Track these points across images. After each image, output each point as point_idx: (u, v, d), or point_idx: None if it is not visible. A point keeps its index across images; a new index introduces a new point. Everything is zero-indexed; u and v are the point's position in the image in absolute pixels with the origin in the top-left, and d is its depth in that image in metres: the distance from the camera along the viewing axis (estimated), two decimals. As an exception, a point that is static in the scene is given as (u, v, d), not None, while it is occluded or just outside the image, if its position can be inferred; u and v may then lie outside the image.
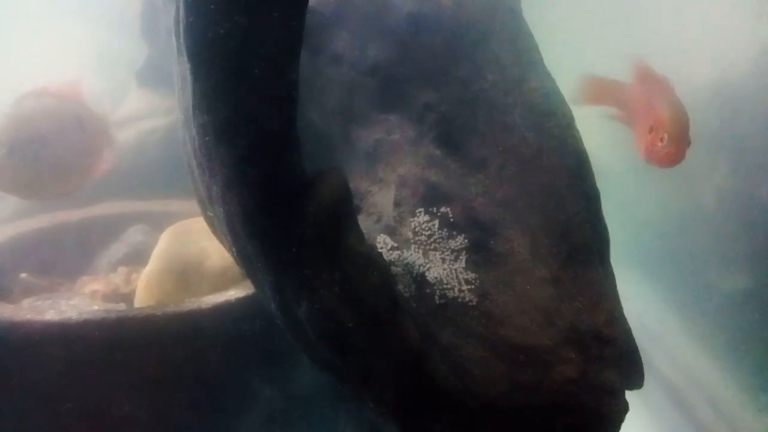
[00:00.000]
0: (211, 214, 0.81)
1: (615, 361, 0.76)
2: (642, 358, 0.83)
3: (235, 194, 0.66)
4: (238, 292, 0.93)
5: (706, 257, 1.36)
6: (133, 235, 1.29)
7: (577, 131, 0.87)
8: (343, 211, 0.70)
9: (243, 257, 0.76)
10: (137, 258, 1.23)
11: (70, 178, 1.13)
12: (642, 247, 1.62)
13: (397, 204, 0.90)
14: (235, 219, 0.70)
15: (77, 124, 1.12)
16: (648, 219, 1.60)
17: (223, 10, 0.53)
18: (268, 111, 0.58)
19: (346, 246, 0.70)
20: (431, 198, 0.89)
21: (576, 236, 0.81)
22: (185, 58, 0.61)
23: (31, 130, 1.07)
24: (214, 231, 0.88)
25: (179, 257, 1.07)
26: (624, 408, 0.75)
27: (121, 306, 1.08)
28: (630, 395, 0.82)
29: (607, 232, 0.85)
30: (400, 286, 0.81)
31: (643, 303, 1.53)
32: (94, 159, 1.15)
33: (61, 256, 1.26)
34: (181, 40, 0.61)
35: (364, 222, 0.89)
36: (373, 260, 0.73)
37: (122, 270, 1.20)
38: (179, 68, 0.72)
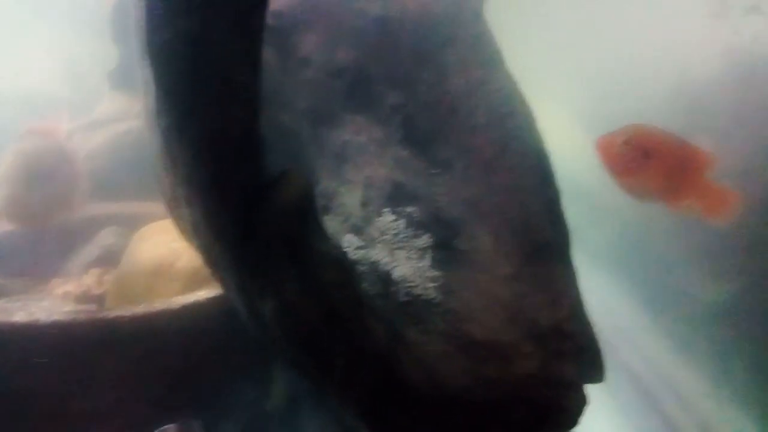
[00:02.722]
0: (177, 216, 0.81)
1: (574, 355, 0.78)
2: (605, 353, 0.85)
3: (197, 195, 0.67)
4: (208, 292, 0.94)
5: (681, 262, 1.38)
6: (106, 236, 1.29)
7: (539, 131, 0.89)
8: (305, 210, 0.71)
9: (208, 258, 0.77)
10: (110, 260, 1.23)
11: (63, 208, 1.28)
12: (618, 249, 1.64)
13: (364, 204, 0.91)
14: (199, 220, 0.71)
15: (65, 159, 1.29)
16: (626, 222, 1.62)
17: (168, 15, 0.54)
18: (222, 114, 0.59)
19: (309, 245, 0.71)
20: (397, 198, 0.90)
21: (538, 234, 0.83)
22: (146, 61, 0.62)
23: (40, 165, 1.23)
24: (183, 234, 0.89)
25: (150, 259, 1.07)
26: (583, 401, 0.77)
27: (92, 308, 1.08)
28: (599, 389, 0.84)
29: (569, 230, 0.87)
30: (366, 285, 0.82)
31: (615, 303, 1.56)
32: (77, 189, 1.32)
33: (34, 258, 1.26)
34: (141, 43, 0.62)
35: (332, 222, 0.91)
36: (336, 259, 0.74)
37: (94, 272, 1.20)
38: (143, 71, 0.72)
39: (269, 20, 1.02)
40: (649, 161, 0.80)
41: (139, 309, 0.89)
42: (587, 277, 0.95)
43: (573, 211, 0.91)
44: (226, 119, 0.61)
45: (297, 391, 1.03)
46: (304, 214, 0.72)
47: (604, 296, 1.56)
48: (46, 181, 1.22)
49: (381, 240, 0.87)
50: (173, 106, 0.60)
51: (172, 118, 0.62)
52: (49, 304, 1.09)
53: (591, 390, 0.83)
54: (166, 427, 0.87)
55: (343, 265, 0.75)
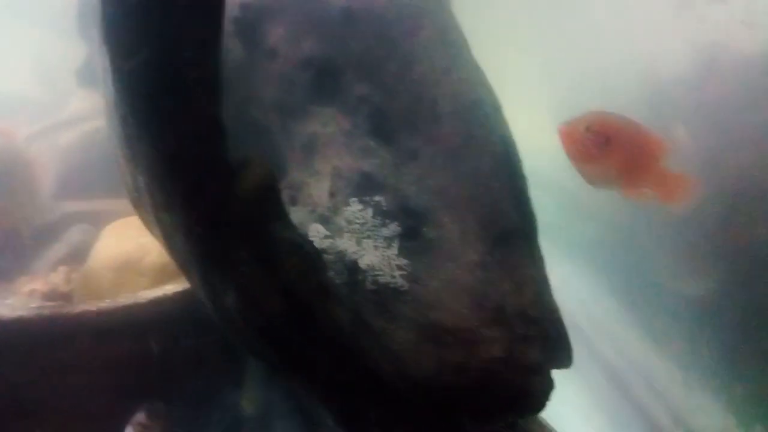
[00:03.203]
0: (140, 207, 0.81)
1: (540, 340, 0.78)
2: (571, 339, 0.85)
3: (158, 186, 0.67)
4: (176, 287, 0.93)
5: (654, 253, 1.39)
6: (74, 234, 1.27)
7: (504, 120, 0.90)
8: (268, 198, 0.71)
9: (171, 249, 0.76)
10: (78, 257, 1.22)
11: (19, 209, 1.29)
12: (591, 240, 1.65)
13: (331, 194, 0.91)
14: (161, 211, 0.70)
15: (22, 160, 1.31)
16: (600, 213, 1.63)
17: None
18: (181, 99, 0.58)
19: (273, 233, 0.71)
20: (365, 187, 0.90)
21: (503, 221, 0.83)
22: (102, 47, 0.62)
23: (4, 165, 1.25)
24: (147, 226, 0.88)
25: (118, 254, 1.06)
26: (549, 385, 0.77)
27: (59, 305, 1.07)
28: (571, 377, 0.85)
29: (534, 217, 0.87)
30: (332, 274, 0.82)
31: (589, 293, 1.57)
32: (34, 190, 1.34)
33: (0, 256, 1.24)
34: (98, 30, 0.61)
35: (299, 213, 0.90)
36: (301, 247, 0.73)
37: (62, 269, 1.19)
38: (102, 59, 0.72)
39: (235, 12, 1.02)
40: (610, 148, 0.81)
41: (105, 304, 0.88)
42: (562, 267, 0.95)
43: (549, 203, 0.92)
44: (185, 105, 0.60)
45: (272, 394, 1.02)
46: (268, 204, 0.71)
47: (579, 286, 1.57)
48: (12, 181, 1.21)
49: (348, 229, 0.87)
50: (129, 92, 0.59)
51: (128, 105, 0.61)
52: (15, 301, 1.07)
53: (564, 377, 0.83)
54: (136, 415, 0.87)
55: (308, 254, 0.75)
